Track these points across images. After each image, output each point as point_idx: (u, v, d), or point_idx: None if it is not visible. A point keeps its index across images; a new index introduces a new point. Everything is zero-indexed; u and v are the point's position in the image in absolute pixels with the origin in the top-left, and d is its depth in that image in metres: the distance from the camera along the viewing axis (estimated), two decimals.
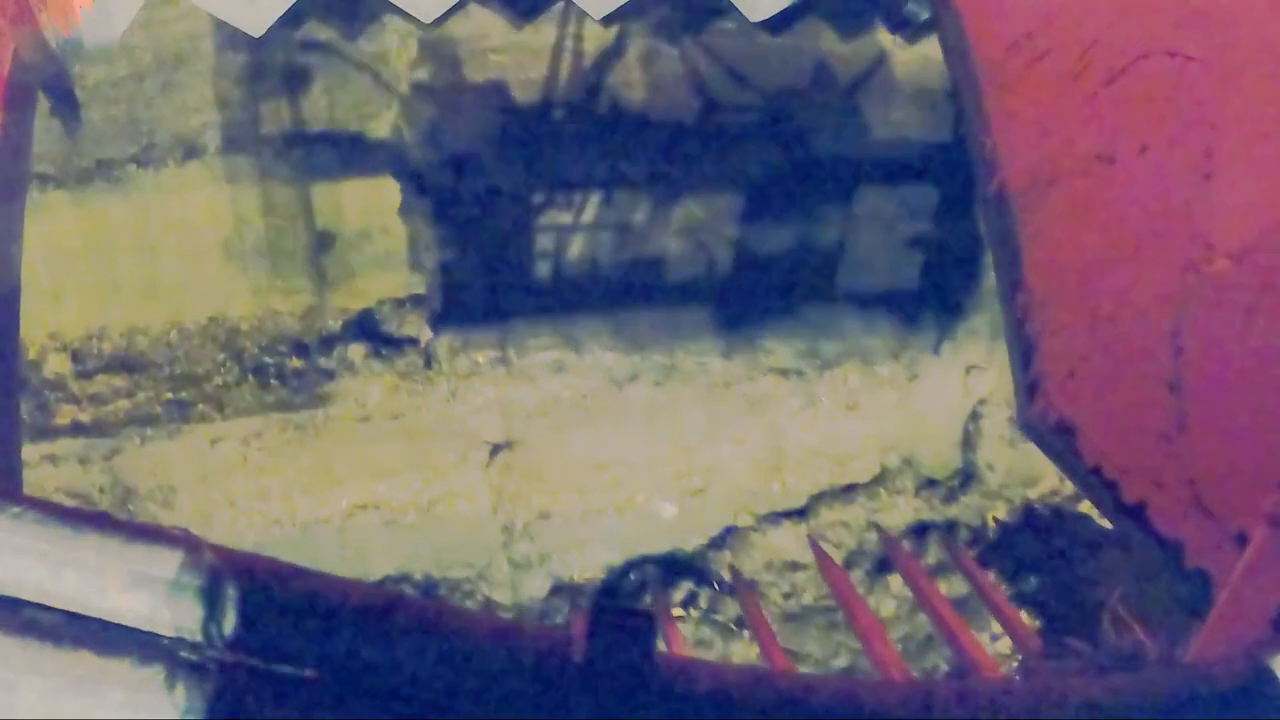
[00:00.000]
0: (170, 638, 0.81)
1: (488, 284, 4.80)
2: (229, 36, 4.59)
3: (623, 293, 4.87)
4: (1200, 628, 1.84)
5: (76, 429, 4.55)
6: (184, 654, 0.79)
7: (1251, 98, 2.09)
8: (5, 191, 2.58)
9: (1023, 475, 4.30)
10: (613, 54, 4.55)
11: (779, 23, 4.37)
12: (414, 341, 4.99)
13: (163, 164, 4.78)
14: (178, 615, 0.79)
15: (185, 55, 4.71)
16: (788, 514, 4.54)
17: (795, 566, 4.42)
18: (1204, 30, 2.22)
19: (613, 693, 0.94)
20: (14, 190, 2.65)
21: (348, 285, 5.01)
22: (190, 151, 4.81)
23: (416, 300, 5.02)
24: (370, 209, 4.89)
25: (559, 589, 4.46)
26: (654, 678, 1.00)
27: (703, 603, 4.21)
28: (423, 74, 4.54)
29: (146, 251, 4.80)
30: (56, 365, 4.68)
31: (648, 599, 3.95)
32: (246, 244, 4.92)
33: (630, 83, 4.60)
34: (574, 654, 0.95)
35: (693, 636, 4.00)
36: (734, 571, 4.01)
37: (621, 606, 0.96)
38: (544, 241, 4.77)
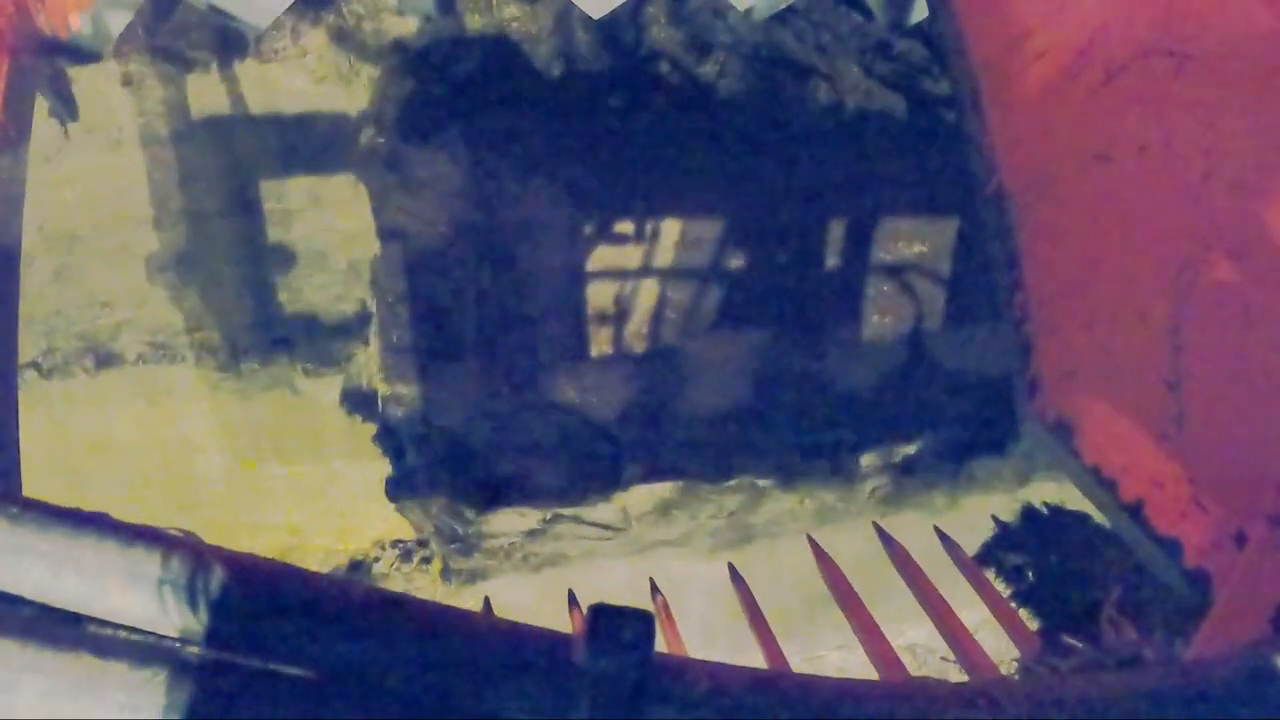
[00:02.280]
0: (170, 638, 0.81)
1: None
2: (149, 201, 3.39)
3: None
4: (1200, 628, 1.83)
5: None
6: (184, 655, 0.80)
7: (1250, 97, 2.09)
8: (4, 191, 2.57)
9: None
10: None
11: None
12: None
13: (69, 373, 3.61)
14: (178, 616, 0.79)
15: (81, 233, 3.45)
16: None
17: None
18: (1203, 29, 2.22)
19: (611, 693, 0.94)
20: (13, 189, 2.64)
21: (337, 520, 3.83)
22: (104, 359, 3.60)
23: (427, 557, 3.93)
24: (357, 431, 3.76)
25: None
26: (653, 678, 1.00)
27: None
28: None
29: (69, 475, 3.66)
30: None
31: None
32: (195, 469, 3.73)
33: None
34: (573, 655, 0.95)
35: None
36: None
37: (620, 608, 0.96)
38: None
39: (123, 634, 0.79)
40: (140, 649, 0.76)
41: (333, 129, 3.80)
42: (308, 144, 3.76)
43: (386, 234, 3.69)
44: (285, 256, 3.77)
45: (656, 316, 3.85)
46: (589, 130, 3.70)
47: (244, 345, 3.78)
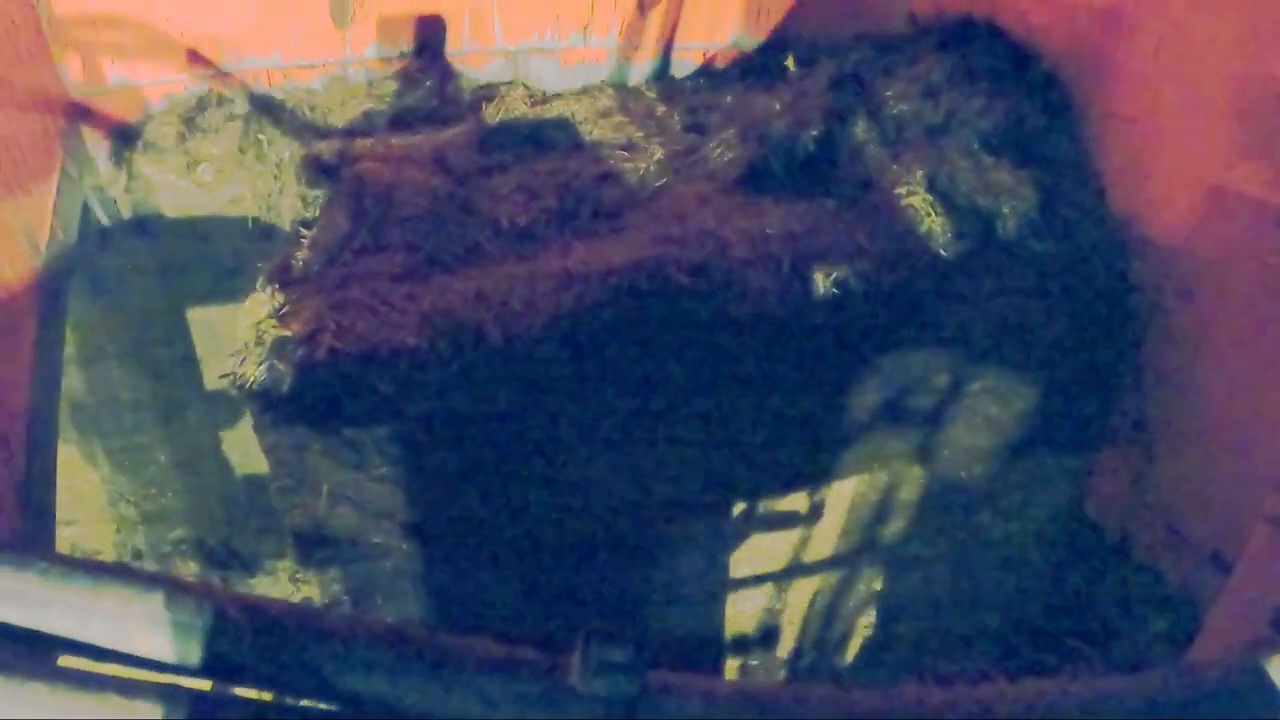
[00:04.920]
0: (191, 678, 0.88)
1: None
2: None
3: None
4: (1200, 628, 1.84)
5: None
6: (205, 692, 0.86)
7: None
8: (50, 287, 2.54)
9: None
10: None
11: None
12: None
13: None
14: (197, 656, 0.86)
15: None
16: None
17: None
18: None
19: (606, 713, 0.99)
20: (60, 277, 2.61)
21: None
22: None
23: None
24: None
25: None
26: (646, 696, 1.04)
27: None
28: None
29: None
30: None
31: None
32: None
33: None
34: (569, 678, 1.00)
35: None
36: None
37: (610, 631, 1.01)
38: None
39: (147, 675, 0.86)
40: (163, 689, 0.82)
41: (234, 243, 2.71)
42: (200, 276, 2.74)
43: (307, 539, 2.21)
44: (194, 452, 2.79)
45: None
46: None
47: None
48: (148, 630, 0.82)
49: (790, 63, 2.83)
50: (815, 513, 2.42)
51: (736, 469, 2.31)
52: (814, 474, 2.35)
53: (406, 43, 3.22)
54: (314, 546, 2.21)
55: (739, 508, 2.37)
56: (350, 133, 3.10)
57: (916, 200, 2.30)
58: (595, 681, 1.01)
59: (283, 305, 2.13)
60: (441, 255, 2.35)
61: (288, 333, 2.04)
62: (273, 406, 2.01)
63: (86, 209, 2.89)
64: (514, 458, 2.14)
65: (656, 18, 3.21)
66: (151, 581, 0.84)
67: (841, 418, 2.27)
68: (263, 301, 2.16)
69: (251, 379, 2.01)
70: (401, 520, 2.17)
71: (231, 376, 2.05)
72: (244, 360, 2.05)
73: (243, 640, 0.85)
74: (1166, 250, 2.16)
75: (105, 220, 2.97)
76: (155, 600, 0.82)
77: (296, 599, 2.39)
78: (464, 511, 2.19)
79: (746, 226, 2.29)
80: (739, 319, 2.12)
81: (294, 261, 2.34)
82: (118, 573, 0.84)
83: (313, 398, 2.00)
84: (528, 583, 2.32)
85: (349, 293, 2.16)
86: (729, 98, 2.98)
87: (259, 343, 2.05)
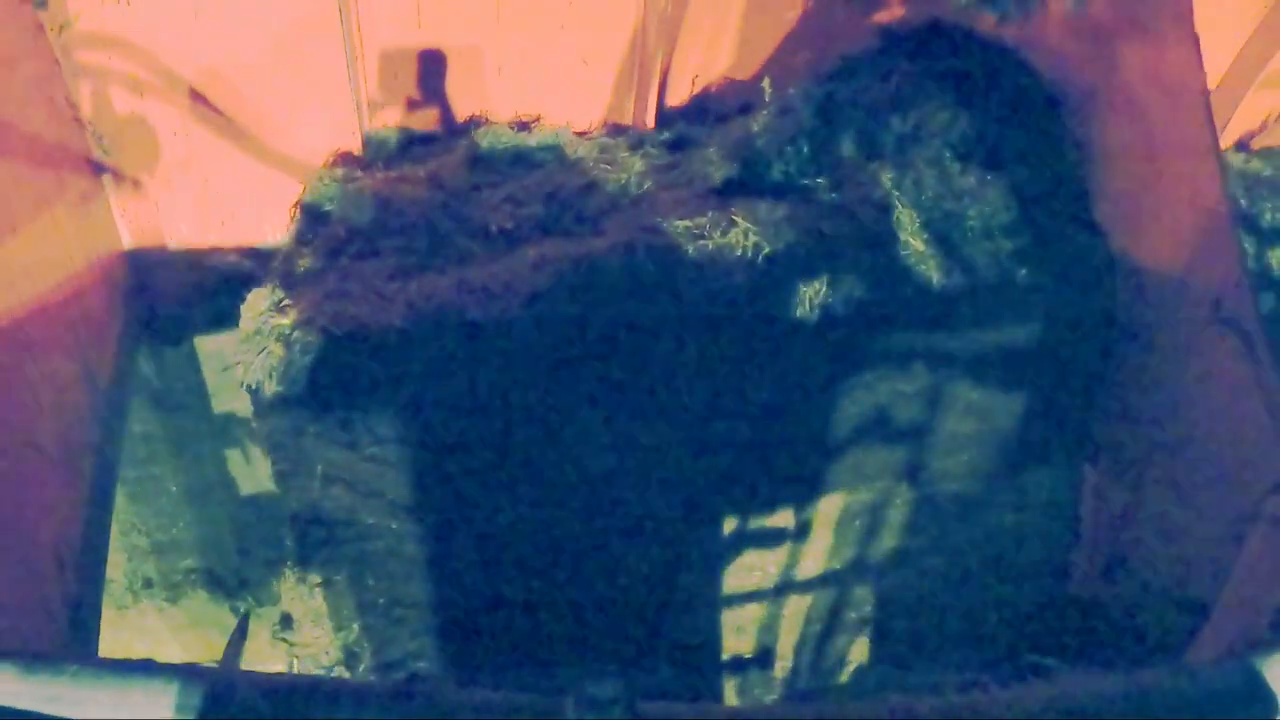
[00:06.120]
0: None
1: None
2: None
3: None
4: (1200, 628, 1.85)
5: None
6: None
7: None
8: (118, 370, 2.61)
9: None
10: None
11: None
12: None
13: None
14: None
15: None
16: None
17: None
18: None
19: None
20: (124, 362, 2.66)
21: None
22: None
23: None
24: None
25: None
26: None
27: None
28: None
29: None
30: None
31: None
32: None
33: None
34: (565, 715, 1.08)
35: None
36: None
37: (602, 671, 1.08)
38: None
39: None
40: None
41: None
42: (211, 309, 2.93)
43: (303, 521, 2.26)
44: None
45: None
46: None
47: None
48: (169, 713, 0.90)
49: (766, 84, 2.88)
50: (803, 529, 2.50)
51: (719, 456, 2.43)
52: (795, 456, 2.45)
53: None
54: (310, 528, 2.31)
55: (729, 521, 2.46)
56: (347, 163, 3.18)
57: (887, 199, 2.42)
58: (589, 716, 1.07)
59: (283, 299, 2.27)
60: (433, 260, 2.50)
61: (286, 321, 2.18)
62: (270, 391, 2.13)
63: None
64: (496, 435, 2.26)
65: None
66: (171, 670, 0.92)
67: (813, 400, 2.39)
68: (264, 296, 2.30)
69: (252, 366, 2.15)
70: (391, 499, 2.28)
71: (236, 366, 2.19)
72: (246, 349, 2.19)
73: (262, 713, 0.92)
74: (1161, 279, 2.18)
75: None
76: (178, 687, 0.90)
77: (303, 603, 2.48)
78: (450, 489, 2.30)
79: (719, 218, 2.44)
80: (710, 300, 2.25)
81: (295, 265, 2.50)
82: (141, 667, 0.92)
83: (307, 380, 2.13)
84: (515, 559, 2.43)
85: (344, 285, 2.32)
86: (710, 123, 3.08)
87: (259, 332, 2.19)
